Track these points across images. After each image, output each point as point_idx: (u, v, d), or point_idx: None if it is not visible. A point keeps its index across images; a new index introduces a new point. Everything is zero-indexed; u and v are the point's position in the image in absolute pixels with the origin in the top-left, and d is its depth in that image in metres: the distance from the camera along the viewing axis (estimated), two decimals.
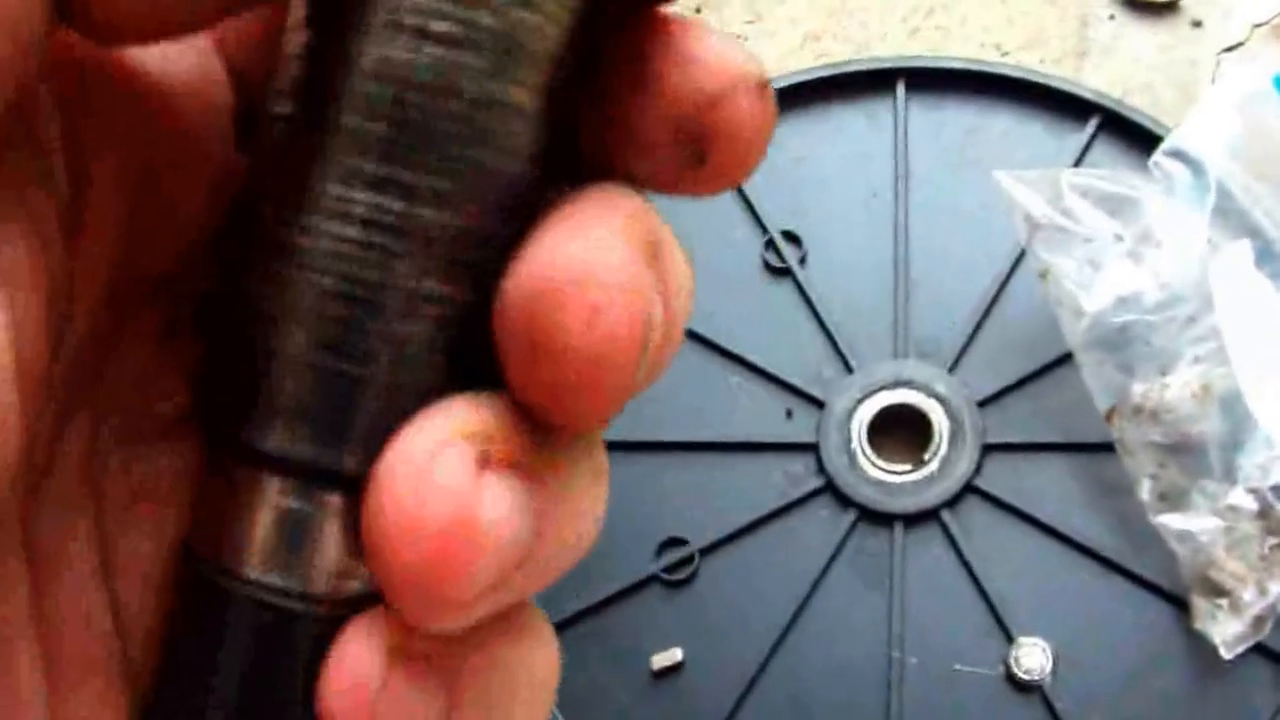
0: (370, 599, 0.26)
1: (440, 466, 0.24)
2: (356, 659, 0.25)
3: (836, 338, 0.86)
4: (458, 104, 0.26)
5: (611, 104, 0.28)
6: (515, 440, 0.25)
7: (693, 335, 0.86)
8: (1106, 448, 0.82)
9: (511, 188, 0.27)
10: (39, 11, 0.23)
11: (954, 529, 0.81)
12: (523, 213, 0.27)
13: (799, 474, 0.84)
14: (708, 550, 0.83)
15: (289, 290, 0.27)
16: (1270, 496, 0.79)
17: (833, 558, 0.81)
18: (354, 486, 0.25)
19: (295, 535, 0.27)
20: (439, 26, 0.26)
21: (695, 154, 0.27)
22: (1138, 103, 0.91)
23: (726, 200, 0.92)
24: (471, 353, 0.27)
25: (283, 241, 0.27)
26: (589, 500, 0.27)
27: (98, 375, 0.28)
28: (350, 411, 0.26)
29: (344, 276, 0.26)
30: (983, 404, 0.84)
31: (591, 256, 0.24)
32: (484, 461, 0.24)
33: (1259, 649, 0.78)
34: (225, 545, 0.27)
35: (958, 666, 0.79)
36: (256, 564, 0.27)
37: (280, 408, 0.26)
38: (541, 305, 0.24)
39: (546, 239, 0.25)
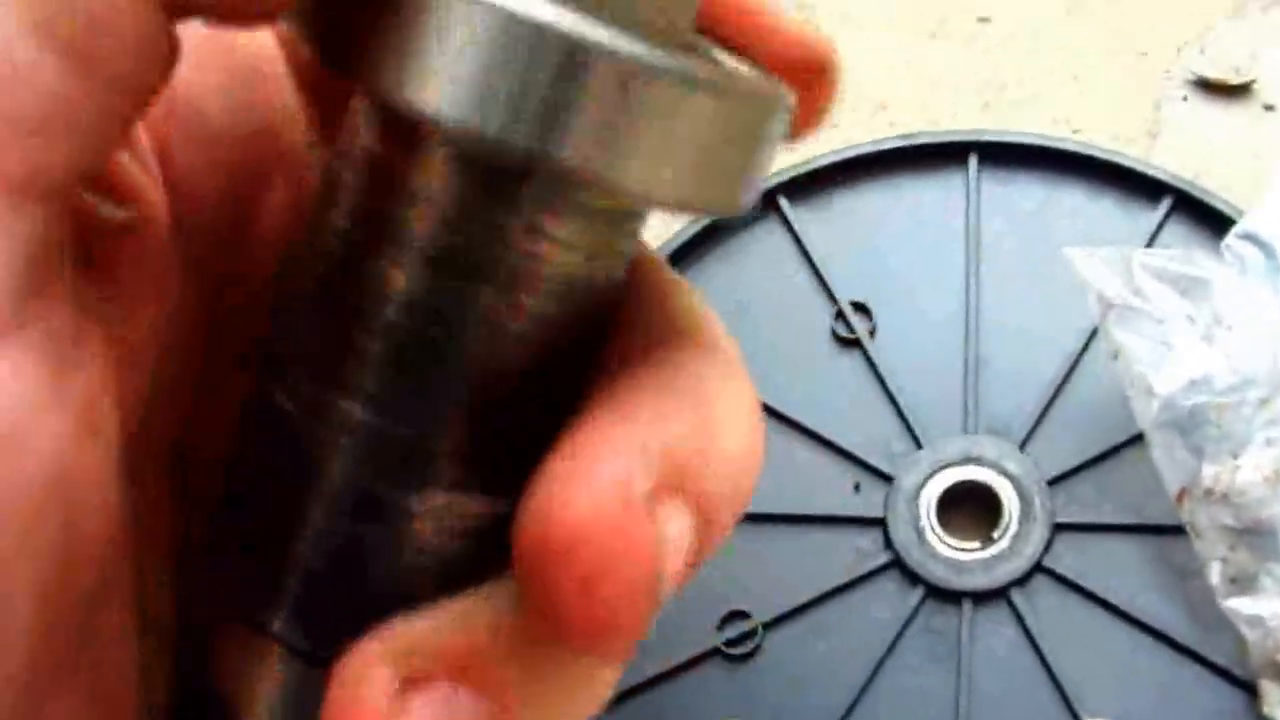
0: None
1: (364, 691, 0.25)
2: None
3: (906, 412, 0.86)
4: (452, 331, 0.26)
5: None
6: (465, 650, 0.25)
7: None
8: (1177, 530, 0.81)
9: (500, 410, 0.27)
10: (148, 5, 0.23)
11: (1023, 608, 0.80)
12: (518, 434, 0.27)
13: (866, 549, 0.83)
14: (771, 624, 0.82)
15: (279, 482, 0.27)
16: None
17: (899, 635, 0.81)
18: None
19: (294, 699, 0.28)
20: (436, 252, 0.26)
21: None
22: (1209, 185, 0.90)
23: (796, 269, 0.92)
24: (467, 559, 0.27)
25: (277, 425, 0.27)
26: (580, 690, 0.27)
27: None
28: (341, 613, 0.27)
29: (335, 477, 0.27)
30: (1053, 483, 0.83)
31: (587, 513, 0.24)
32: (411, 682, 0.25)
33: None
34: (233, 688, 0.28)
35: None
36: (262, 714, 0.28)
37: (276, 599, 0.27)
38: (537, 565, 0.24)
39: (548, 480, 0.25)
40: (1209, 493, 0.81)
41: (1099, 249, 0.84)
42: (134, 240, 0.27)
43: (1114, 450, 0.84)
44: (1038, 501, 0.83)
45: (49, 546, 0.24)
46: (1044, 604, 0.81)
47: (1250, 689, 0.79)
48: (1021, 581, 0.81)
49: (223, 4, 0.25)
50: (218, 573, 0.29)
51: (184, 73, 0.27)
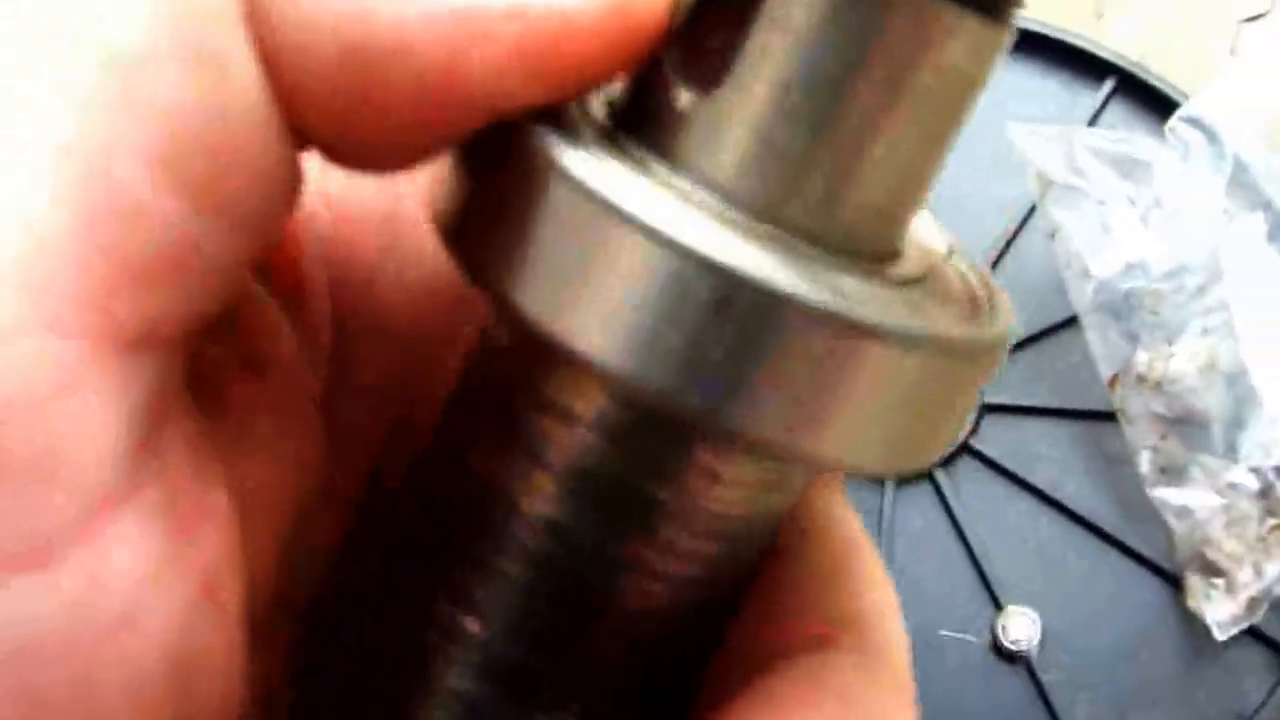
0: None
1: None
2: None
3: None
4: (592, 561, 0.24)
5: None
6: None
7: None
8: (1107, 416, 0.79)
9: (626, 648, 0.25)
10: (275, 137, 0.22)
11: (946, 489, 0.78)
12: (643, 673, 0.25)
13: None
14: None
15: (384, 675, 0.26)
16: (1271, 476, 0.77)
17: None
18: None
19: None
20: (585, 479, 0.23)
21: None
22: (1153, 68, 0.88)
23: None
24: None
25: (386, 616, 0.26)
26: None
27: None
28: None
29: (441, 682, 0.25)
30: None
31: None
32: None
33: (1252, 632, 0.76)
34: None
35: (943, 632, 0.76)
36: None
37: None
38: None
39: None
40: (1142, 379, 0.79)
41: (1041, 127, 0.81)
42: (259, 383, 0.26)
43: (1047, 332, 0.82)
44: None
45: None
46: (968, 486, 0.79)
47: (1174, 581, 0.77)
48: (946, 462, 0.79)
49: (341, 146, 0.23)
50: None
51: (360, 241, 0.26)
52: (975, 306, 0.24)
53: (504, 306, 0.22)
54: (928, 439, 0.23)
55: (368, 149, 0.23)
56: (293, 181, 0.23)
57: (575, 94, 0.23)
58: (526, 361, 0.24)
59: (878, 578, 0.27)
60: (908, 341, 0.21)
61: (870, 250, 0.23)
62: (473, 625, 0.24)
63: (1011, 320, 0.24)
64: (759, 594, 0.26)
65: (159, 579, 0.21)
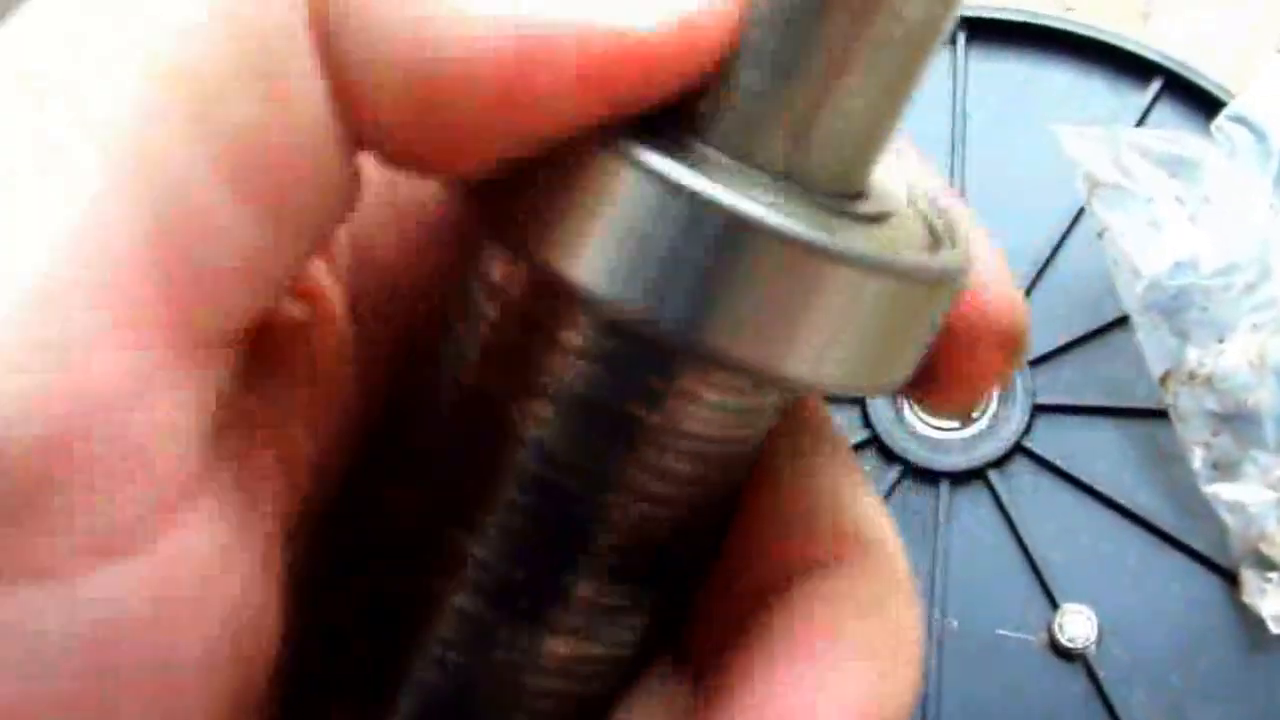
0: None
1: None
2: None
3: None
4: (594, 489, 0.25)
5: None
6: None
7: None
8: (1159, 414, 0.79)
9: (623, 564, 0.26)
10: (339, 152, 0.23)
11: (1000, 489, 0.79)
12: (641, 588, 0.26)
13: (844, 426, 0.81)
14: None
15: (392, 600, 0.26)
16: None
17: None
18: None
19: None
20: (579, 405, 0.24)
21: None
22: (1199, 67, 0.88)
23: None
24: (580, 698, 0.27)
25: (390, 543, 0.27)
26: None
27: None
28: None
29: (447, 605, 0.26)
30: (1034, 363, 0.81)
31: None
32: None
33: None
34: None
35: (1001, 631, 0.76)
36: None
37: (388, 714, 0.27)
38: None
39: (767, 680, 0.24)
40: (1193, 376, 0.79)
41: (1088, 127, 0.82)
42: (307, 339, 0.27)
43: (1097, 332, 0.82)
44: (1018, 382, 0.81)
45: (227, 692, 0.23)
46: (1022, 485, 0.79)
47: (1230, 576, 0.77)
48: (1000, 462, 0.79)
49: (402, 158, 0.23)
50: (329, 677, 0.27)
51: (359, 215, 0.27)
52: (936, 242, 0.26)
53: (500, 239, 0.23)
54: (889, 363, 0.24)
55: (429, 163, 0.24)
56: (352, 190, 0.24)
57: (637, 109, 0.23)
58: (510, 282, 0.25)
59: (861, 482, 0.28)
60: (867, 267, 0.23)
61: (835, 189, 0.24)
62: (474, 546, 0.25)
63: (969, 254, 0.25)
64: (751, 508, 0.27)
65: (229, 553, 0.23)
